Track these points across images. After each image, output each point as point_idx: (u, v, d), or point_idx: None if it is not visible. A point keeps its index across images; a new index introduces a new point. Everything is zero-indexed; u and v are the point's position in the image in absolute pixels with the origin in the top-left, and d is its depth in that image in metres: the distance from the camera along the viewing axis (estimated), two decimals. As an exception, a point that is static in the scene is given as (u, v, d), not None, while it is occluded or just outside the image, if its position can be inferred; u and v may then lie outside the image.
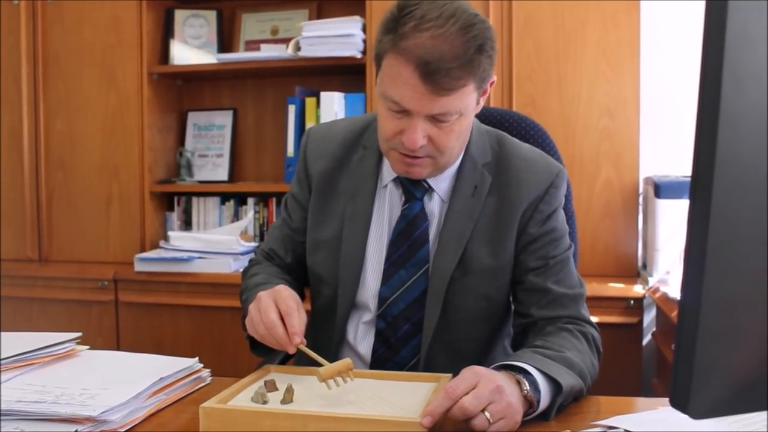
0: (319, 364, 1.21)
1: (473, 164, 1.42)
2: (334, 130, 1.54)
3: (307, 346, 1.25)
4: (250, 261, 1.62)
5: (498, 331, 1.50)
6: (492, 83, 1.34)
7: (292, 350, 1.24)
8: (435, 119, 1.26)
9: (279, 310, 1.25)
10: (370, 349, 1.43)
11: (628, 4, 2.51)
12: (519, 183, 1.40)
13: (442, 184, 1.42)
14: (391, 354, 1.42)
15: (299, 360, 1.55)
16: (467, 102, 1.27)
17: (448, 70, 1.20)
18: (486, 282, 1.40)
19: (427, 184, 1.42)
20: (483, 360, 1.45)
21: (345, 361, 1.20)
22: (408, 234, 1.41)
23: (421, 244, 1.40)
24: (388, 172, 1.45)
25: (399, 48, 1.22)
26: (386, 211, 1.45)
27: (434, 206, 1.42)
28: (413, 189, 1.42)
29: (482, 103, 1.36)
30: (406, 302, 1.40)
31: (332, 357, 1.44)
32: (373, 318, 1.43)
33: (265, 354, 1.46)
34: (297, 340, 1.22)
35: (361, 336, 1.45)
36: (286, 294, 1.28)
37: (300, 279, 1.57)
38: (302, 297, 1.53)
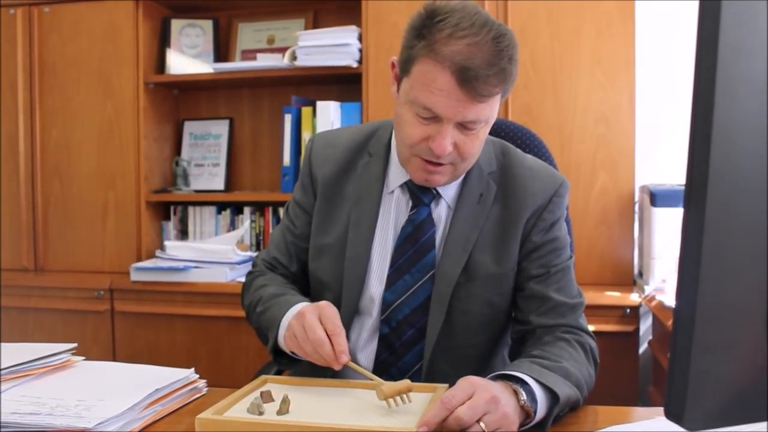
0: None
1: (479, 172, 1.43)
2: (340, 137, 1.55)
3: None
4: (252, 272, 1.60)
5: (499, 339, 1.50)
6: None
7: (338, 368, 1.24)
8: (463, 126, 1.28)
9: (324, 328, 1.25)
10: (372, 354, 1.44)
11: (623, 13, 2.52)
12: (524, 192, 1.41)
13: (449, 190, 1.43)
14: (395, 359, 1.42)
15: (296, 371, 1.54)
16: (494, 110, 1.30)
17: (486, 77, 1.22)
18: (490, 288, 1.41)
19: (436, 190, 1.43)
20: (483, 367, 1.45)
21: (405, 382, 1.19)
22: (415, 239, 1.42)
23: (427, 249, 1.41)
24: (394, 179, 1.46)
25: (435, 54, 1.23)
26: (392, 216, 1.45)
27: (441, 212, 1.43)
28: (422, 195, 1.43)
29: None
30: (411, 307, 1.40)
31: None
32: (376, 323, 1.43)
33: (288, 365, 1.46)
34: (344, 359, 1.23)
35: (364, 341, 1.45)
36: (330, 312, 1.28)
37: (305, 289, 1.57)
38: None
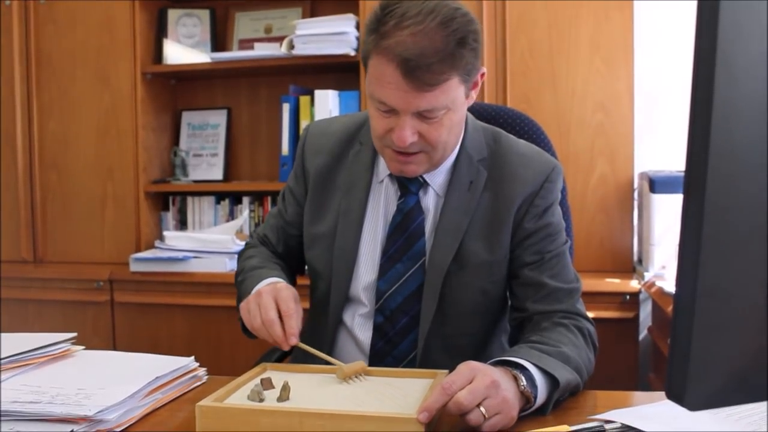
0: (316, 358, 1.30)
1: (469, 159, 1.42)
2: (333, 126, 1.56)
3: (305, 338, 1.29)
4: (247, 243, 1.65)
5: (495, 327, 1.50)
6: (482, 75, 1.35)
7: (286, 348, 1.28)
8: (422, 116, 1.27)
9: (279, 309, 1.28)
10: (368, 343, 1.44)
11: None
12: (514, 178, 1.40)
13: (437, 178, 1.43)
14: (390, 348, 1.43)
15: (296, 358, 1.55)
16: (454, 96, 1.27)
17: (429, 66, 1.21)
18: (482, 276, 1.40)
19: (423, 178, 1.42)
20: (480, 355, 1.45)
21: (360, 363, 1.28)
22: (404, 228, 1.42)
23: (416, 237, 1.41)
24: (383, 168, 1.45)
25: (380, 47, 1.24)
26: (382, 205, 1.45)
27: (429, 201, 1.43)
28: (408, 183, 1.43)
29: (474, 96, 1.37)
30: (404, 295, 1.41)
31: (329, 350, 1.45)
32: (369, 311, 1.44)
33: (255, 337, 1.48)
34: (293, 341, 1.27)
35: (359, 331, 1.45)
36: (286, 294, 1.31)
37: (291, 266, 1.62)
38: (294, 284, 1.58)
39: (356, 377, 1.26)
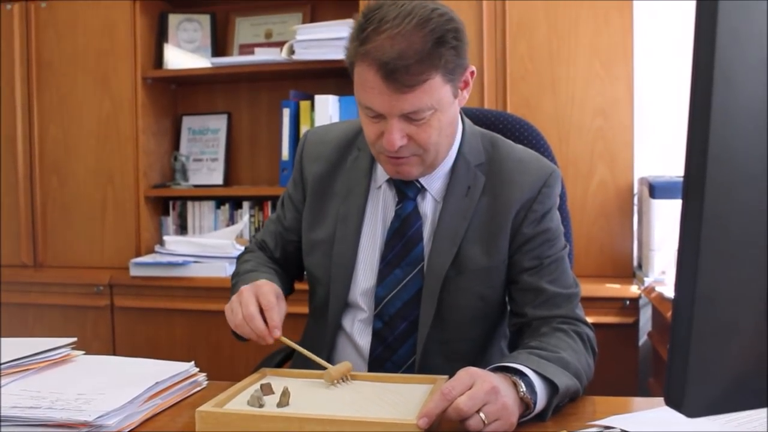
0: (302, 355, 1.33)
1: (466, 165, 1.42)
2: (331, 133, 1.56)
3: (305, 344, 1.29)
4: (246, 248, 1.67)
5: (493, 332, 1.50)
6: (472, 73, 1.35)
7: (270, 341, 1.29)
8: (409, 118, 1.28)
9: (260, 304, 1.29)
10: (367, 348, 1.44)
11: (621, 4, 2.51)
12: (512, 184, 1.41)
13: (434, 184, 1.43)
14: (389, 353, 1.43)
15: (296, 363, 1.55)
16: (438, 96, 1.27)
17: (407, 67, 1.21)
18: (480, 281, 1.40)
19: (420, 184, 1.43)
20: (478, 361, 1.45)
21: (346, 364, 1.30)
22: (402, 233, 1.42)
23: (414, 243, 1.41)
24: (382, 173, 1.46)
25: (360, 54, 1.25)
26: (380, 211, 1.46)
27: (427, 206, 1.43)
28: (405, 189, 1.43)
29: (466, 96, 1.37)
30: (403, 301, 1.41)
31: (328, 355, 1.45)
32: (368, 317, 1.44)
33: (245, 340, 1.49)
34: (277, 333, 1.28)
35: (358, 337, 1.46)
36: (266, 289, 1.32)
37: (288, 271, 1.62)
38: (291, 289, 1.61)
39: (343, 380, 1.27)
